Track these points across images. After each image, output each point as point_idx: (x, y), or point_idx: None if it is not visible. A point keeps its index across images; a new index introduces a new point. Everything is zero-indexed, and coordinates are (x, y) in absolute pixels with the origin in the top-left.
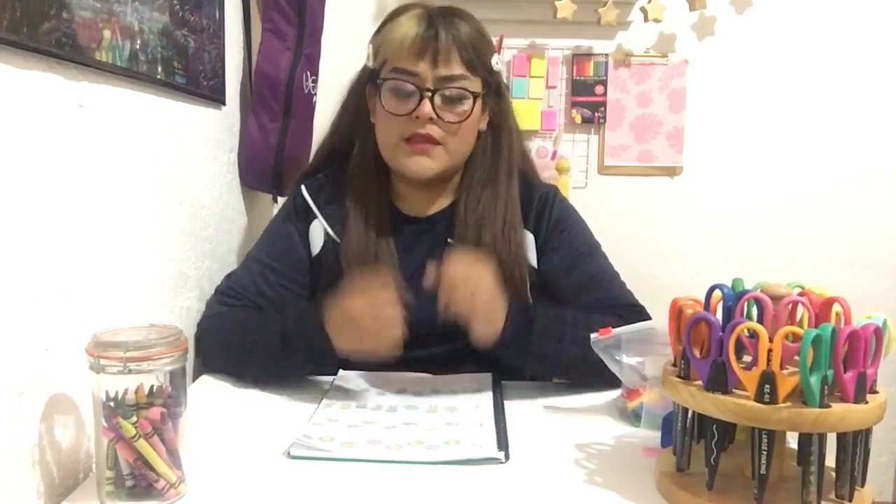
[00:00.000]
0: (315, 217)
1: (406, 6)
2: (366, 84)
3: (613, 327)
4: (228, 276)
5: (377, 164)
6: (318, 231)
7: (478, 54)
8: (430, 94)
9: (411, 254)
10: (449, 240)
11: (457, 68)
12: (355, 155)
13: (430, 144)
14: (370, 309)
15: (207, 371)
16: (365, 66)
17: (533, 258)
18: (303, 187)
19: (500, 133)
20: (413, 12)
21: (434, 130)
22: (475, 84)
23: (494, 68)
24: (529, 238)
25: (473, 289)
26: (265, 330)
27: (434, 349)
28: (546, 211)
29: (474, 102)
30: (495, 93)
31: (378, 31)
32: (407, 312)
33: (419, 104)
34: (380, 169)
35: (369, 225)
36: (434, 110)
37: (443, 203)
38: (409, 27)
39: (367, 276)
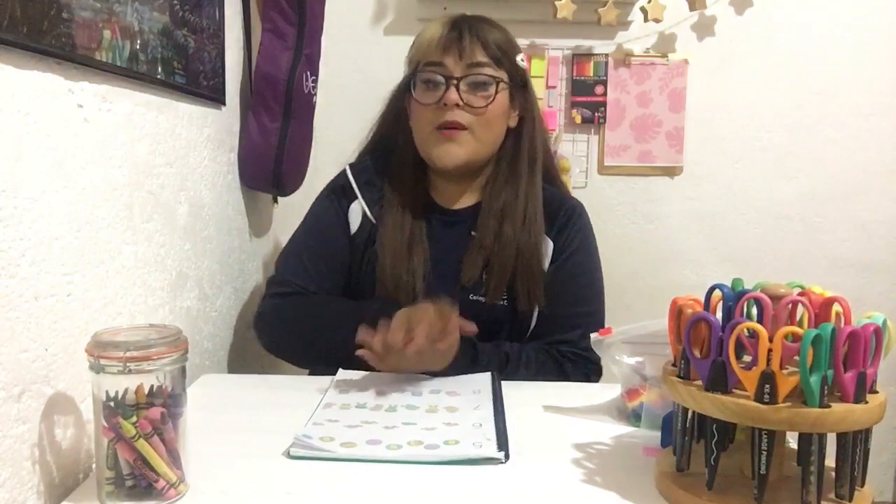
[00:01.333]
0: (356, 198)
1: (433, 20)
2: (403, 93)
3: (552, 374)
4: (281, 264)
5: (415, 160)
6: (357, 211)
7: (501, 50)
8: (455, 81)
9: (439, 242)
10: (472, 233)
11: (481, 57)
12: (396, 153)
13: (458, 130)
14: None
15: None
16: (403, 78)
17: (546, 264)
18: (347, 168)
19: (523, 126)
20: (440, 20)
21: (462, 116)
22: (500, 74)
23: (519, 64)
24: (549, 245)
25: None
26: (332, 324)
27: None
28: (569, 226)
29: (498, 88)
30: (522, 87)
31: (411, 47)
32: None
33: (446, 92)
34: (417, 164)
35: (405, 210)
36: (460, 96)
37: (471, 198)
38: (435, 30)
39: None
